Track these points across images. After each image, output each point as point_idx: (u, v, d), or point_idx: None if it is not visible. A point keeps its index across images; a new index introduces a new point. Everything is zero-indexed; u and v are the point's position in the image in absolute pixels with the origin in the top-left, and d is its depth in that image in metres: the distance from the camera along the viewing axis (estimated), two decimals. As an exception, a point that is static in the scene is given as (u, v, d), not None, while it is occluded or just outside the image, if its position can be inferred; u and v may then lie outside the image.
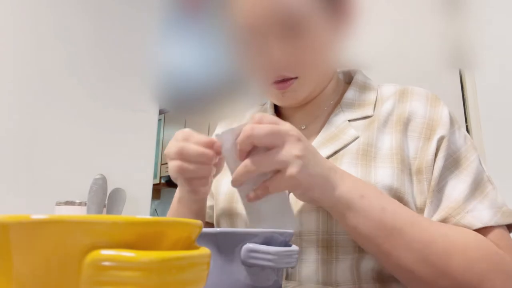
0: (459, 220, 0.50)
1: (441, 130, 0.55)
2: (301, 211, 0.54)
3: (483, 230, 0.49)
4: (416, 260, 0.45)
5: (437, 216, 0.52)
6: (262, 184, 0.46)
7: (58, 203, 0.73)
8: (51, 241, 0.18)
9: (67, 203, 0.72)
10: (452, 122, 0.56)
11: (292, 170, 0.44)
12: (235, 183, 0.47)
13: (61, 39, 1.65)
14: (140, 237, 0.19)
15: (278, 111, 0.70)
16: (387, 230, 0.46)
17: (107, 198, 0.64)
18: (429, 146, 0.54)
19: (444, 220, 0.51)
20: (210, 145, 0.49)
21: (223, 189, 0.65)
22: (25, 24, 1.57)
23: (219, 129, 0.76)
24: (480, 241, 0.48)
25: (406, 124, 0.57)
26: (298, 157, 0.44)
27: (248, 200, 0.47)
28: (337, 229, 0.52)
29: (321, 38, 0.56)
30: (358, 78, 0.66)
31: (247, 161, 0.45)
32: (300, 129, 0.64)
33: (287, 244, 0.39)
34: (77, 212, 0.72)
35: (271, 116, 0.47)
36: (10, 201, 1.41)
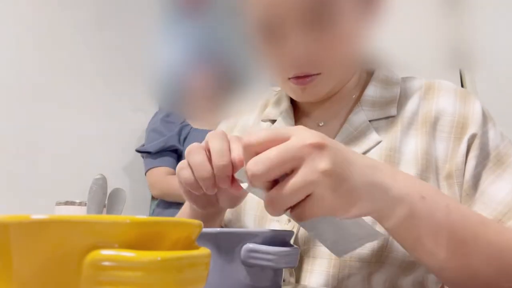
0: (511, 225, 0.45)
1: (473, 127, 0.50)
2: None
3: None
4: (496, 268, 0.39)
5: None
6: (293, 213, 0.35)
7: (58, 203, 0.73)
8: (51, 241, 0.18)
9: (67, 203, 0.72)
10: (485, 118, 0.51)
11: (321, 192, 0.33)
12: (273, 215, 0.36)
13: (61, 39, 1.65)
14: (140, 237, 0.19)
15: (294, 103, 0.62)
16: (459, 234, 0.38)
17: (107, 198, 0.64)
18: (459, 147, 0.49)
19: None
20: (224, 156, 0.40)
21: None
22: (25, 24, 1.57)
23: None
24: None
25: (433, 124, 0.52)
26: (326, 173, 0.33)
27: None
28: (351, 255, 0.48)
29: (349, 30, 0.50)
30: (379, 72, 0.59)
31: (270, 198, 0.34)
32: (318, 126, 0.58)
33: (287, 244, 0.39)
34: (77, 212, 0.72)
35: (265, 132, 0.35)
36: (10, 201, 1.41)
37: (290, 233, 0.40)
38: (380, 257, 0.48)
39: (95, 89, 1.73)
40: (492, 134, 0.51)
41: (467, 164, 0.49)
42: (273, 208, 0.34)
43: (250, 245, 0.35)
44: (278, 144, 0.34)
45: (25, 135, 1.52)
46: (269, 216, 0.53)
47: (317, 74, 0.51)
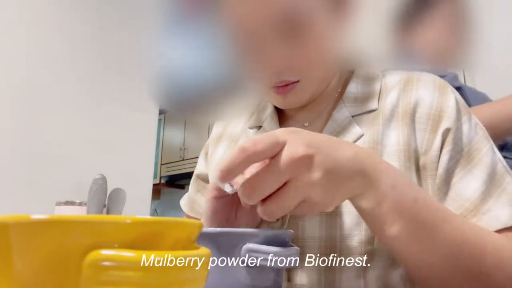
0: (475, 223, 0.46)
1: (447, 121, 0.50)
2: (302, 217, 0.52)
3: (504, 230, 0.45)
4: (448, 262, 0.40)
5: None
6: (291, 213, 0.39)
7: (58, 203, 0.73)
8: (51, 241, 0.18)
9: (67, 203, 0.72)
10: (459, 111, 0.52)
11: (314, 198, 0.36)
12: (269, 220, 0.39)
13: (61, 39, 1.65)
14: (140, 237, 0.19)
15: (278, 108, 0.65)
16: (419, 226, 0.40)
17: (107, 198, 0.64)
18: (434, 140, 0.50)
19: None
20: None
21: None
22: (26, 24, 1.57)
23: (216, 129, 0.73)
24: (509, 240, 0.43)
25: (412, 115, 0.53)
26: (318, 183, 0.35)
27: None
28: (341, 234, 0.49)
29: (322, 36, 0.52)
30: (360, 68, 0.61)
31: (266, 209, 0.36)
32: (303, 127, 0.60)
33: (287, 244, 0.39)
34: (77, 212, 0.72)
35: (260, 143, 0.36)
36: (10, 201, 1.41)
37: (290, 233, 0.40)
38: (368, 250, 0.49)
39: (95, 89, 1.73)
40: (466, 128, 0.51)
41: (441, 158, 0.49)
42: (269, 216, 0.37)
43: (250, 245, 0.35)
44: (275, 151, 0.36)
45: (25, 135, 1.52)
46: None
47: (296, 82, 0.53)
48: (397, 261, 0.47)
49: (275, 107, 0.65)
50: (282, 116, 0.64)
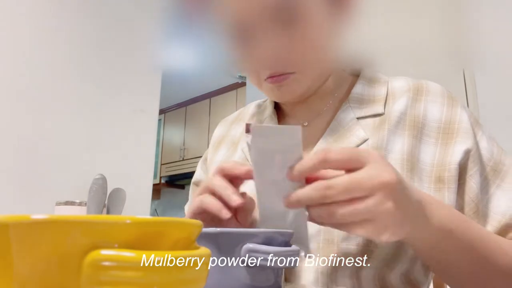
0: None
1: (465, 141, 0.51)
2: None
3: None
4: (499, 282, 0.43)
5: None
6: (335, 217, 0.37)
7: (58, 203, 0.73)
8: (51, 241, 0.18)
9: (67, 203, 0.72)
10: (474, 128, 0.52)
11: (381, 226, 0.37)
12: (293, 204, 0.38)
13: (62, 39, 1.65)
14: (140, 237, 0.19)
15: (277, 107, 0.65)
16: (479, 262, 0.43)
17: (107, 198, 0.64)
18: (450, 154, 0.50)
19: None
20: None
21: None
22: (26, 23, 1.57)
23: (216, 134, 0.73)
24: None
25: (420, 128, 0.53)
26: (388, 212, 0.36)
27: (310, 219, 0.40)
28: (339, 238, 0.49)
29: (318, 28, 0.51)
30: (366, 72, 0.61)
31: (322, 189, 0.36)
32: (302, 126, 0.59)
33: (287, 244, 0.39)
34: (77, 212, 0.72)
35: (343, 153, 0.37)
36: (10, 201, 1.41)
37: (290, 233, 0.40)
38: (366, 252, 0.49)
39: (95, 89, 1.73)
40: (484, 144, 0.52)
41: (470, 182, 0.50)
42: (321, 220, 0.38)
43: (250, 245, 0.35)
44: (352, 165, 0.37)
45: (25, 135, 1.52)
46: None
47: (291, 73, 0.52)
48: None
49: (275, 108, 0.65)
50: (280, 116, 0.64)
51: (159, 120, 4.59)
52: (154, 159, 1.96)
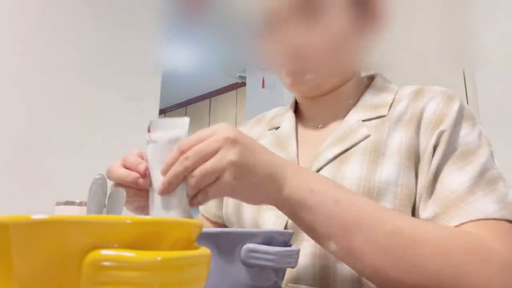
0: (457, 212, 0.46)
1: (444, 124, 0.52)
2: None
3: (483, 223, 0.44)
4: (380, 255, 0.41)
5: (432, 208, 0.48)
6: (203, 189, 0.42)
7: (58, 203, 0.73)
8: (51, 241, 0.18)
9: (67, 203, 0.72)
10: (460, 116, 0.53)
11: (227, 177, 0.40)
12: (167, 188, 0.42)
13: (62, 38, 1.65)
14: (140, 237, 0.19)
15: (297, 110, 0.69)
16: (344, 225, 0.42)
17: (107, 198, 0.64)
18: (429, 141, 0.52)
19: (439, 213, 0.47)
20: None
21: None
22: (26, 23, 1.57)
23: (243, 129, 0.76)
24: (464, 234, 0.43)
25: (418, 121, 0.55)
26: (233, 163, 0.40)
27: (191, 204, 0.44)
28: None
29: (339, 29, 0.54)
30: (377, 81, 0.64)
31: (180, 161, 0.41)
32: (317, 128, 0.64)
33: (287, 244, 0.39)
34: (77, 212, 0.72)
35: (194, 136, 0.43)
36: (10, 201, 1.41)
37: (290, 233, 0.40)
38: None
39: (95, 89, 1.73)
40: (464, 132, 0.52)
41: (434, 157, 0.51)
42: (196, 196, 0.42)
43: (250, 245, 0.35)
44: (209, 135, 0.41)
45: (25, 135, 1.52)
46: (264, 205, 0.57)
47: (307, 65, 0.56)
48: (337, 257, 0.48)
49: (295, 111, 0.69)
50: (299, 118, 0.68)
51: (159, 120, 4.57)
52: (154, 159, 1.95)
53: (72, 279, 0.18)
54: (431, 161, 0.51)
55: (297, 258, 0.38)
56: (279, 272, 0.39)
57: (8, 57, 1.52)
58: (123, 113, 1.80)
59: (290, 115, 0.68)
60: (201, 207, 0.77)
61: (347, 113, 0.61)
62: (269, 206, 0.57)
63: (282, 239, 0.38)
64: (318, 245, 0.51)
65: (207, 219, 0.75)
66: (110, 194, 0.66)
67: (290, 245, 0.39)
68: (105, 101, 1.75)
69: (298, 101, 0.69)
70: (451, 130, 0.51)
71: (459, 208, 0.46)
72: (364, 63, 0.60)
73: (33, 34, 1.59)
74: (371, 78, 0.67)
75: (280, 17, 0.53)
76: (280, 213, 0.55)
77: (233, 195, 0.43)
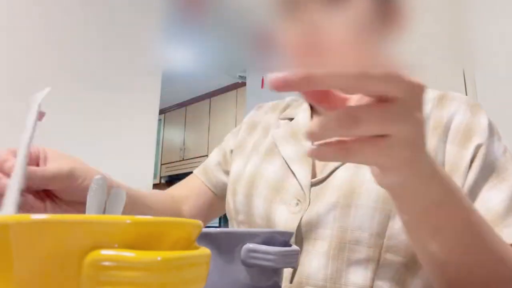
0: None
1: (478, 138, 0.52)
2: (318, 213, 0.53)
3: None
4: (484, 268, 0.40)
5: None
6: (341, 145, 0.29)
7: (58, 203, 0.73)
8: (51, 241, 0.18)
9: (67, 203, 0.72)
10: (491, 131, 0.53)
11: (407, 135, 0.29)
12: (313, 136, 0.29)
13: (62, 38, 1.65)
14: (140, 237, 0.19)
15: (312, 106, 0.68)
16: (472, 236, 0.39)
17: (107, 198, 0.64)
18: (464, 154, 0.51)
19: None
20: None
21: (247, 170, 0.64)
22: (26, 22, 1.57)
23: (256, 113, 0.76)
24: None
25: (443, 130, 0.54)
26: (419, 122, 0.30)
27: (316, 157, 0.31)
28: (353, 226, 0.50)
29: (361, 22, 0.53)
30: None
31: (340, 113, 0.28)
32: None
33: (287, 244, 0.39)
34: (77, 212, 0.72)
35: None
36: (10, 201, 1.41)
37: (290, 233, 0.40)
38: (380, 243, 0.50)
39: (95, 89, 1.73)
40: (495, 146, 0.52)
41: (470, 171, 0.50)
42: (336, 128, 0.28)
43: (250, 245, 0.35)
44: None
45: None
46: (278, 199, 0.58)
47: (325, 50, 0.53)
48: (431, 271, 0.44)
49: (310, 104, 0.67)
50: (314, 111, 0.67)
51: (159, 120, 4.59)
52: (154, 159, 1.96)
53: (72, 279, 0.18)
54: (467, 175, 0.50)
55: (298, 258, 0.38)
56: (279, 272, 0.39)
57: (8, 57, 1.52)
58: (123, 113, 1.81)
59: (306, 107, 0.66)
60: (199, 170, 0.76)
61: None
62: (283, 200, 0.57)
63: (283, 239, 0.38)
64: (332, 246, 0.51)
65: (208, 189, 0.74)
66: (110, 194, 0.66)
67: (290, 245, 0.39)
68: (105, 101, 1.76)
69: None
70: (487, 144, 0.51)
71: (496, 229, 0.45)
72: (380, 60, 0.59)
73: (33, 34, 1.59)
74: None
75: (299, 3, 0.52)
76: (295, 209, 0.55)
77: (395, 165, 0.31)
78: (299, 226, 0.54)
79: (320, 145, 0.29)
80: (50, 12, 1.63)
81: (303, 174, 0.57)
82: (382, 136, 0.29)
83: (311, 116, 0.65)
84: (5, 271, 0.18)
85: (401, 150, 0.30)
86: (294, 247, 0.38)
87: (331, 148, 0.29)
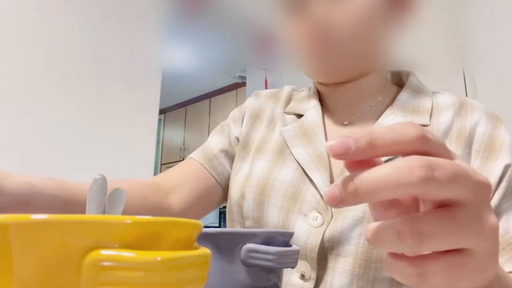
0: None
1: (506, 157, 0.51)
2: (342, 226, 0.50)
3: None
4: None
5: None
6: (415, 264, 0.23)
7: (58, 203, 0.73)
8: (51, 241, 0.18)
9: (67, 203, 0.72)
10: None
11: (476, 253, 0.24)
12: (375, 242, 0.24)
13: (62, 39, 1.65)
14: (140, 237, 0.19)
15: (321, 102, 0.65)
16: None
17: (107, 198, 0.64)
18: (491, 168, 0.51)
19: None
20: None
21: (256, 172, 0.59)
22: (26, 22, 1.57)
23: (254, 102, 0.71)
24: None
25: (467, 140, 0.53)
26: (494, 229, 0.24)
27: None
28: (377, 257, 0.48)
29: (370, 13, 0.52)
30: (412, 81, 0.61)
31: (401, 224, 0.22)
32: (343, 125, 0.60)
33: (287, 244, 0.39)
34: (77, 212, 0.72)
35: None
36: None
37: (290, 233, 0.40)
38: None
39: (95, 89, 1.73)
40: None
41: (496, 192, 0.50)
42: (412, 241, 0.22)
43: (250, 245, 0.35)
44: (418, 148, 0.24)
45: (25, 135, 1.52)
46: (296, 209, 0.54)
47: (334, 44, 0.53)
48: None
49: (320, 100, 0.65)
50: (323, 109, 0.64)
51: (159, 120, 4.59)
52: (154, 159, 1.96)
53: (72, 279, 0.18)
54: (493, 195, 0.50)
55: (297, 258, 0.38)
56: (279, 272, 0.39)
57: (7, 57, 1.52)
58: (123, 113, 1.80)
59: (316, 103, 0.63)
60: (200, 154, 0.67)
61: (376, 112, 0.58)
62: (301, 211, 0.53)
63: (283, 239, 0.38)
64: (356, 264, 0.49)
65: (210, 175, 0.65)
66: (110, 194, 0.67)
67: (290, 245, 0.39)
68: (105, 100, 1.76)
69: (318, 89, 0.66)
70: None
71: None
72: (389, 54, 0.58)
73: (32, 34, 1.59)
74: (397, 75, 0.64)
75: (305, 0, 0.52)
76: (316, 223, 0.51)
77: (459, 280, 0.24)
78: (321, 241, 0.51)
79: (391, 256, 0.24)
80: (50, 12, 1.63)
81: (322, 182, 0.53)
82: (457, 251, 0.24)
83: (322, 115, 0.62)
84: (5, 271, 0.18)
85: (482, 264, 0.24)
86: (294, 247, 0.38)
87: (404, 267, 0.24)
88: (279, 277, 0.38)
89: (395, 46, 0.56)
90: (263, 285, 0.37)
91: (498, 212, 0.49)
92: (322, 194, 0.53)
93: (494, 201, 0.49)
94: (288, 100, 0.68)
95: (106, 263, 0.18)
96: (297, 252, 0.37)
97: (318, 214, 0.52)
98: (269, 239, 0.36)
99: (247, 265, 0.35)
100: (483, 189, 0.24)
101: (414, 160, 0.22)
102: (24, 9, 1.58)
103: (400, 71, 0.63)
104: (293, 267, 0.38)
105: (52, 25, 1.63)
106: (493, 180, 0.50)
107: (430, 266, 0.23)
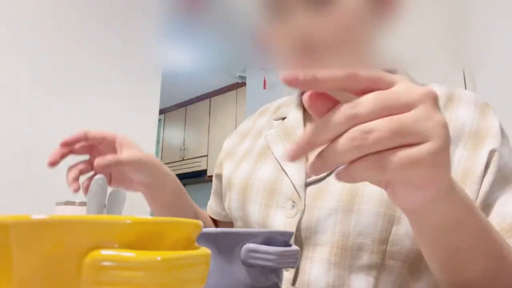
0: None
1: (492, 142, 0.50)
2: (318, 217, 0.51)
3: None
4: (489, 277, 0.38)
5: None
6: (375, 162, 0.27)
7: (58, 203, 0.74)
8: (51, 241, 0.18)
9: (67, 203, 0.73)
10: (502, 133, 0.52)
11: (437, 144, 0.26)
12: (319, 168, 0.28)
13: (62, 38, 1.65)
14: (140, 237, 0.19)
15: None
16: (492, 252, 0.38)
17: (107, 198, 0.64)
18: (477, 158, 0.50)
19: None
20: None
21: (238, 174, 0.63)
22: (25, 22, 1.57)
23: (245, 125, 0.75)
24: None
25: (454, 133, 0.52)
26: (445, 126, 0.27)
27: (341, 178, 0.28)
28: (355, 231, 0.48)
29: (353, 16, 0.51)
30: (401, 74, 0.60)
31: (352, 131, 0.26)
32: None
33: (287, 244, 0.39)
34: (77, 212, 0.72)
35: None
36: (10, 202, 1.41)
37: (290, 233, 0.40)
38: (382, 249, 0.48)
39: (95, 89, 1.73)
40: (506, 151, 0.51)
41: (485, 178, 0.49)
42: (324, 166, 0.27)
43: (250, 245, 0.35)
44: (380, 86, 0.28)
45: (25, 135, 1.52)
46: (274, 203, 0.56)
47: (318, 53, 0.51)
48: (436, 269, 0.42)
49: (301, 102, 0.64)
50: (306, 114, 0.64)
51: (159, 120, 4.59)
52: (154, 159, 1.95)
53: (72, 279, 0.18)
54: (481, 181, 0.49)
55: (297, 258, 0.38)
56: (279, 272, 0.39)
57: (7, 57, 1.52)
58: (123, 113, 1.80)
59: (298, 103, 0.64)
60: (208, 208, 0.77)
61: None
62: (278, 204, 0.55)
63: (283, 239, 0.38)
64: (333, 253, 0.49)
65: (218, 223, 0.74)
66: (110, 194, 0.66)
67: (290, 245, 0.39)
68: (105, 100, 1.76)
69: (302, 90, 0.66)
70: (500, 150, 0.50)
71: None
72: (375, 55, 0.57)
73: (32, 34, 1.59)
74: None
75: (289, 3, 0.50)
76: (291, 213, 0.53)
77: (428, 175, 0.27)
78: (298, 231, 0.52)
79: (350, 163, 0.27)
80: (50, 12, 1.63)
81: (296, 174, 0.55)
82: (409, 145, 0.26)
83: (304, 115, 0.63)
84: (5, 271, 0.18)
85: (435, 157, 0.26)
86: (294, 247, 0.38)
87: (364, 164, 0.27)
88: (279, 277, 0.38)
89: (385, 47, 0.55)
90: (263, 285, 0.37)
91: (491, 200, 0.48)
92: (296, 185, 0.54)
93: (484, 189, 0.48)
94: (278, 109, 0.71)
95: (106, 263, 0.18)
96: (297, 252, 0.37)
97: (293, 204, 0.54)
98: (269, 239, 0.37)
99: (247, 265, 0.35)
100: (424, 98, 0.27)
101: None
102: (23, 10, 1.58)
103: (397, 71, 0.63)
104: (293, 267, 0.38)
105: (52, 25, 1.63)
106: (479, 168, 0.49)
107: (388, 158, 0.26)
